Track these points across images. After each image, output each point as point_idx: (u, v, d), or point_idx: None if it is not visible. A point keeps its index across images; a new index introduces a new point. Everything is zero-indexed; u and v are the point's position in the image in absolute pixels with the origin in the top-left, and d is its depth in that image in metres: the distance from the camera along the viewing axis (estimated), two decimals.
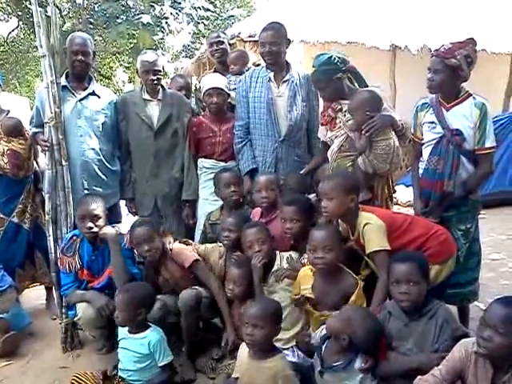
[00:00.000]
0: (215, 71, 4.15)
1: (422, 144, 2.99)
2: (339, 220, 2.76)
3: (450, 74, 2.75)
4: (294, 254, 2.93)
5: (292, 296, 2.77)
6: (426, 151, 2.93)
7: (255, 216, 3.26)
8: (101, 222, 3.05)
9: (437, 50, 2.83)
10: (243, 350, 2.40)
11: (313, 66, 3.13)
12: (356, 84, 3.21)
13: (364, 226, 2.54)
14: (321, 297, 2.59)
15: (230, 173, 3.37)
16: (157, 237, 2.97)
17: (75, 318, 3.09)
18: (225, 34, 4.47)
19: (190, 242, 3.31)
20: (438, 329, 2.19)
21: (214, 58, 4.28)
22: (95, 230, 3.02)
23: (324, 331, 2.35)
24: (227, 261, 3.07)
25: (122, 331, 2.67)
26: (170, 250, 3.04)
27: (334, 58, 3.04)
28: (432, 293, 2.33)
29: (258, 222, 3.12)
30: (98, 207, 3.06)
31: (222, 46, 4.17)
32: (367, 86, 3.18)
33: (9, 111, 3.80)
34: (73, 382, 2.60)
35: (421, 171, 2.99)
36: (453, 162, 2.77)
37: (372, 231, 2.52)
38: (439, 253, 2.52)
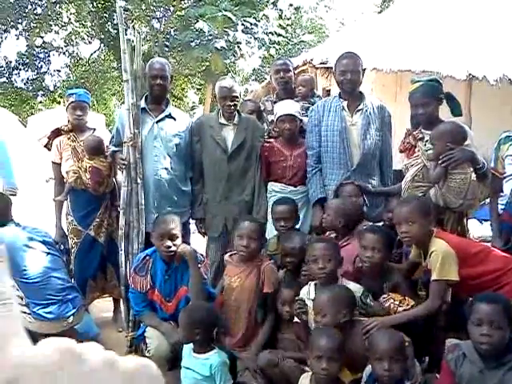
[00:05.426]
0: (277, 97, 4.14)
1: (503, 178, 2.87)
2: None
3: None
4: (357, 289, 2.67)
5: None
6: (508, 185, 2.83)
7: None
8: (178, 241, 3.07)
9: None
10: (305, 380, 2.34)
11: (415, 82, 3.08)
12: (450, 109, 3.14)
13: (432, 252, 2.48)
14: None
15: (281, 206, 3.36)
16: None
17: (146, 353, 3.07)
18: (290, 61, 4.35)
19: None
20: None
21: (278, 85, 4.18)
22: (173, 248, 3.03)
23: (369, 371, 2.25)
24: (285, 283, 3.05)
25: (187, 348, 2.66)
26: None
27: (438, 80, 3.06)
28: None
29: (329, 237, 3.07)
30: (175, 226, 3.09)
31: (288, 74, 4.11)
32: (461, 115, 3.11)
33: (94, 129, 4.01)
34: None
35: (501, 206, 2.86)
36: None
37: (438, 259, 2.44)
38: None
